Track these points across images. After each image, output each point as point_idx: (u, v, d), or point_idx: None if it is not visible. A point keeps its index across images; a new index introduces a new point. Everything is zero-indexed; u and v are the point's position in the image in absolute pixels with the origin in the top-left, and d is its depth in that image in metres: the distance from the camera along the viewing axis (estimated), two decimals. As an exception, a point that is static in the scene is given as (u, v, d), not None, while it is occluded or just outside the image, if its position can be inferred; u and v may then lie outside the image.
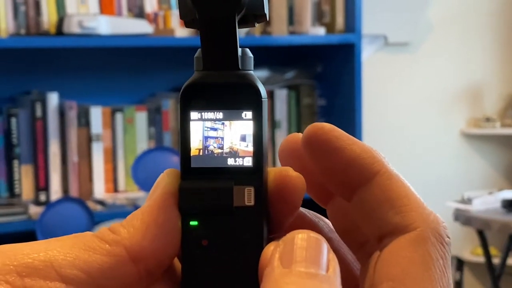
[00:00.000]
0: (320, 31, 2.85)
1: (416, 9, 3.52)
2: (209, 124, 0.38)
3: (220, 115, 0.38)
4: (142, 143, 2.75)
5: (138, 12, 2.71)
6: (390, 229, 0.37)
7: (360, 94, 2.85)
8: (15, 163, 2.60)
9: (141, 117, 2.75)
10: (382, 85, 3.50)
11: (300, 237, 0.36)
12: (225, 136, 0.38)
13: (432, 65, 3.62)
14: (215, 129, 0.38)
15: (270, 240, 0.38)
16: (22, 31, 2.53)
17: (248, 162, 0.38)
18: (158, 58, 2.88)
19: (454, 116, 3.68)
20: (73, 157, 2.63)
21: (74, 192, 2.63)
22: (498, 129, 3.66)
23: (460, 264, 3.59)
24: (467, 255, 3.69)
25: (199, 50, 0.39)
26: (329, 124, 0.39)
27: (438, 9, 3.59)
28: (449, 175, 3.66)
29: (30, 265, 0.35)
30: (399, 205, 0.37)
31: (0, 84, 2.67)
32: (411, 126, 3.60)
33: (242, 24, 0.39)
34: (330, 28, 2.89)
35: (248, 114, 0.38)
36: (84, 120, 2.65)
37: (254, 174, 0.38)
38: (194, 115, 0.38)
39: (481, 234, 3.23)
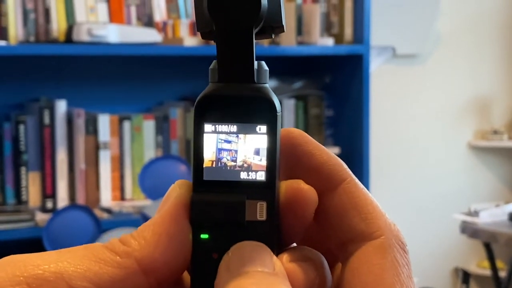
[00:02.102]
0: (329, 41, 2.86)
1: (424, 21, 3.52)
2: (223, 136, 0.38)
3: (234, 128, 0.38)
4: (150, 152, 2.75)
5: (147, 21, 2.71)
6: (355, 235, 0.38)
7: (368, 105, 2.85)
8: (23, 170, 2.60)
9: (148, 126, 2.75)
10: (389, 97, 3.50)
11: None
12: (239, 149, 0.38)
13: (440, 77, 3.62)
14: (229, 142, 0.38)
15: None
16: (32, 38, 2.53)
17: (261, 176, 0.38)
18: (167, 67, 2.89)
19: (462, 128, 3.68)
20: (81, 164, 2.64)
21: (81, 199, 2.63)
22: (506, 142, 3.65)
23: (466, 276, 3.58)
24: (473, 268, 3.68)
25: (214, 61, 0.38)
26: (299, 130, 0.39)
27: (446, 21, 3.59)
28: (456, 187, 3.65)
29: (40, 276, 0.35)
30: (365, 212, 0.38)
31: (8, 90, 2.68)
32: (419, 138, 3.59)
33: (259, 35, 0.39)
34: (339, 39, 2.90)
35: (263, 128, 0.38)
36: (91, 128, 2.65)
37: (267, 188, 0.38)
38: (208, 127, 0.38)
39: (487, 247, 3.22)
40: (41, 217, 2.51)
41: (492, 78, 3.73)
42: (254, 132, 0.38)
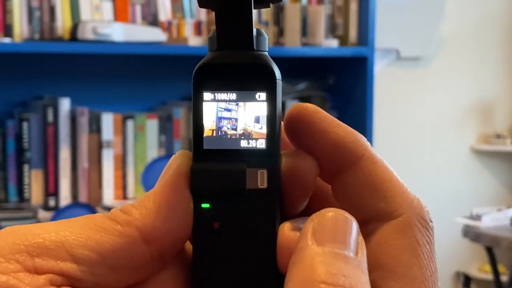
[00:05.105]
0: (333, 43, 2.86)
1: (428, 24, 3.52)
2: (223, 104, 0.38)
3: (233, 96, 0.38)
4: (153, 151, 2.75)
5: (152, 20, 2.72)
6: (374, 215, 0.37)
7: (372, 107, 2.85)
8: (25, 167, 2.60)
9: (152, 125, 2.75)
10: (393, 99, 3.50)
11: (334, 216, 0.35)
12: (239, 117, 0.38)
13: (444, 80, 3.62)
14: (229, 110, 0.38)
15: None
16: (36, 36, 2.54)
17: (261, 144, 0.38)
18: (171, 66, 2.89)
19: (465, 132, 3.68)
20: (83, 163, 2.64)
21: (83, 198, 2.63)
22: (509, 146, 3.65)
23: (467, 280, 3.57)
24: (474, 272, 3.67)
25: (213, 30, 0.38)
26: (314, 105, 0.38)
27: (450, 25, 3.59)
28: (458, 191, 3.65)
29: (41, 245, 0.35)
30: (384, 191, 0.37)
31: (12, 88, 2.68)
32: (421, 141, 3.59)
33: (257, 4, 0.38)
34: (343, 40, 2.90)
35: (262, 96, 0.38)
36: (95, 127, 2.65)
37: (268, 156, 0.37)
38: (207, 95, 0.38)
39: (489, 251, 3.22)
40: (44, 215, 2.51)
41: (496, 82, 3.73)
42: (254, 99, 0.38)
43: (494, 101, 3.73)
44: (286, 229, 0.37)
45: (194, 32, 2.72)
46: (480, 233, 3.12)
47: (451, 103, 3.65)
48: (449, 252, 3.60)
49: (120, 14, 2.66)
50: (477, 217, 3.17)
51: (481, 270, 3.67)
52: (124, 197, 2.71)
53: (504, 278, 3.35)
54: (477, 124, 3.70)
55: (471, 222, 3.17)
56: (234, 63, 0.38)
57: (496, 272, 3.25)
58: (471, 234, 3.15)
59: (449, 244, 3.56)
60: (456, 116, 3.66)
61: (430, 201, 3.51)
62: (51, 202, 2.60)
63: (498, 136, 3.65)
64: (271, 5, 0.39)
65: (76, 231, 0.36)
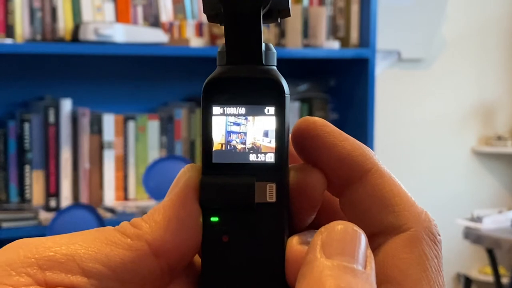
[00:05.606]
0: (335, 45, 2.86)
1: (430, 26, 3.52)
2: (232, 119, 0.38)
3: (242, 110, 0.38)
4: (154, 152, 2.75)
5: (154, 21, 2.72)
6: (382, 228, 0.37)
7: (373, 109, 2.85)
8: (27, 168, 2.60)
9: (153, 126, 2.75)
10: (394, 101, 3.50)
11: (343, 229, 0.35)
12: (248, 131, 0.38)
13: (445, 82, 3.62)
14: (238, 124, 0.38)
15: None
16: (38, 37, 2.54)
17: (270, 158, 0.38)
18: (172, 67, 2.89)
19: (466, 134, 3.68)
20: (85, 164, 2.64)
21: (84, 199, 2.63)
22: (510, 148, 3.65)
23: (468, 282, 3.57)
24: (475, 274, 3.67)
25: (222, 44, 0.38)
26: (321, 119, 0.39)
27: (452, 26, 3.59)
28: (459, 193, 3.65)
29: (51, 258, 0.35)
30: (392, 205, 0.37)
31: (14, 89, 2.68)
32: (423, 143, 3.59)
33: (266, 19, 0.39)
34: (345, 42, 2.90)
35: (271, 110, 0.38)
36: (96, 127, 2.65)
37: (276, 170, 0.38)
38: (216, 110, 0.38)
39: (490, 253, 3.22)
40: (45, 216, 2.50)
41: (497, 84, 3.73)
42: (263, 114, 0.38)
43: (495, 103, 3.73)
44: (294, 243, 0.37)
45: (195, 33, 2.72)
46: (481, 235, 3.12)
47: (452, 105, 3.65)
48: (449, 254, 3.60)
49: (122, 15, 2.66)
50: (478, 219, 3.17)
51: (481, 272, 3.67)
52: (125, 198, 2.71)
53: (504, 280, 3.36)
54: (478, 126, 3.70)
55: (472, 224, 3.17)
56: (243, 78, 0.38)
57: (496, 274, 3.25)
58: (472, 236, 3.15)
59: (449, 246, 3.56)
60: (457, 117, 3.66)
61: (431, 202, 3.52)
62: (52, 203, 2.60)
63: (499, 138, 3.65)
64: (279, 19, 0.40)
65: (86, 245, 0.36)
